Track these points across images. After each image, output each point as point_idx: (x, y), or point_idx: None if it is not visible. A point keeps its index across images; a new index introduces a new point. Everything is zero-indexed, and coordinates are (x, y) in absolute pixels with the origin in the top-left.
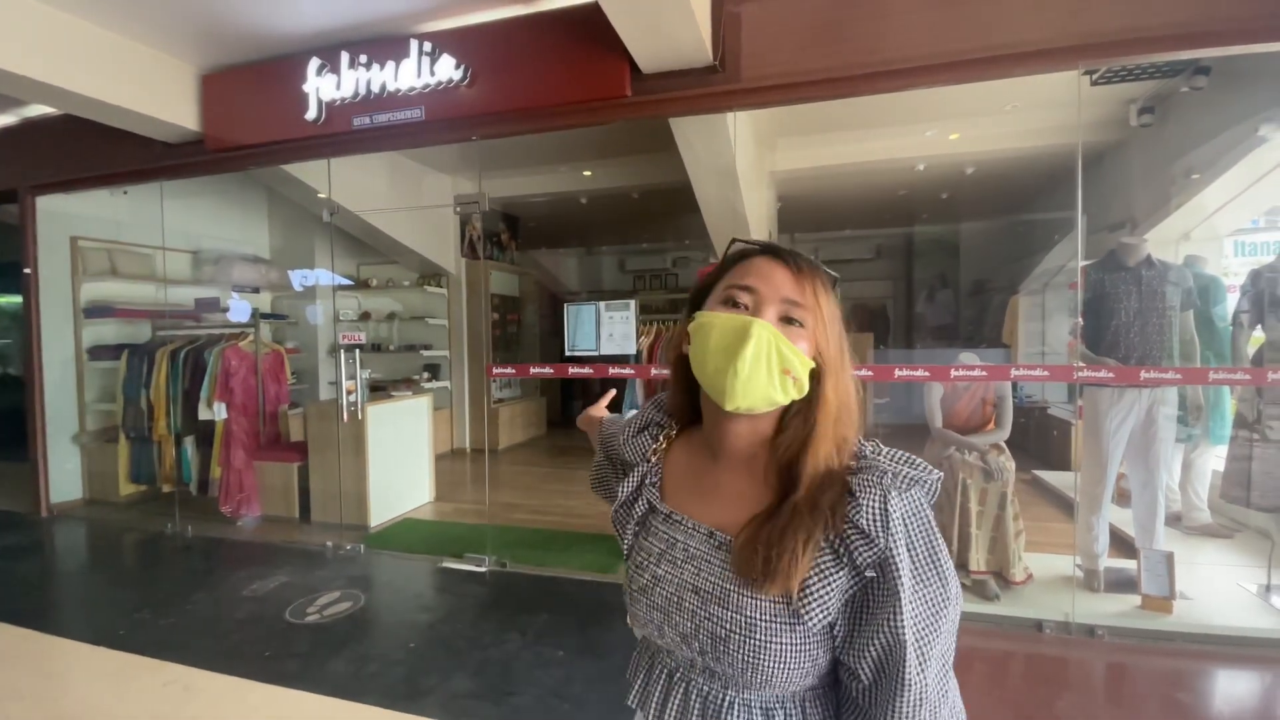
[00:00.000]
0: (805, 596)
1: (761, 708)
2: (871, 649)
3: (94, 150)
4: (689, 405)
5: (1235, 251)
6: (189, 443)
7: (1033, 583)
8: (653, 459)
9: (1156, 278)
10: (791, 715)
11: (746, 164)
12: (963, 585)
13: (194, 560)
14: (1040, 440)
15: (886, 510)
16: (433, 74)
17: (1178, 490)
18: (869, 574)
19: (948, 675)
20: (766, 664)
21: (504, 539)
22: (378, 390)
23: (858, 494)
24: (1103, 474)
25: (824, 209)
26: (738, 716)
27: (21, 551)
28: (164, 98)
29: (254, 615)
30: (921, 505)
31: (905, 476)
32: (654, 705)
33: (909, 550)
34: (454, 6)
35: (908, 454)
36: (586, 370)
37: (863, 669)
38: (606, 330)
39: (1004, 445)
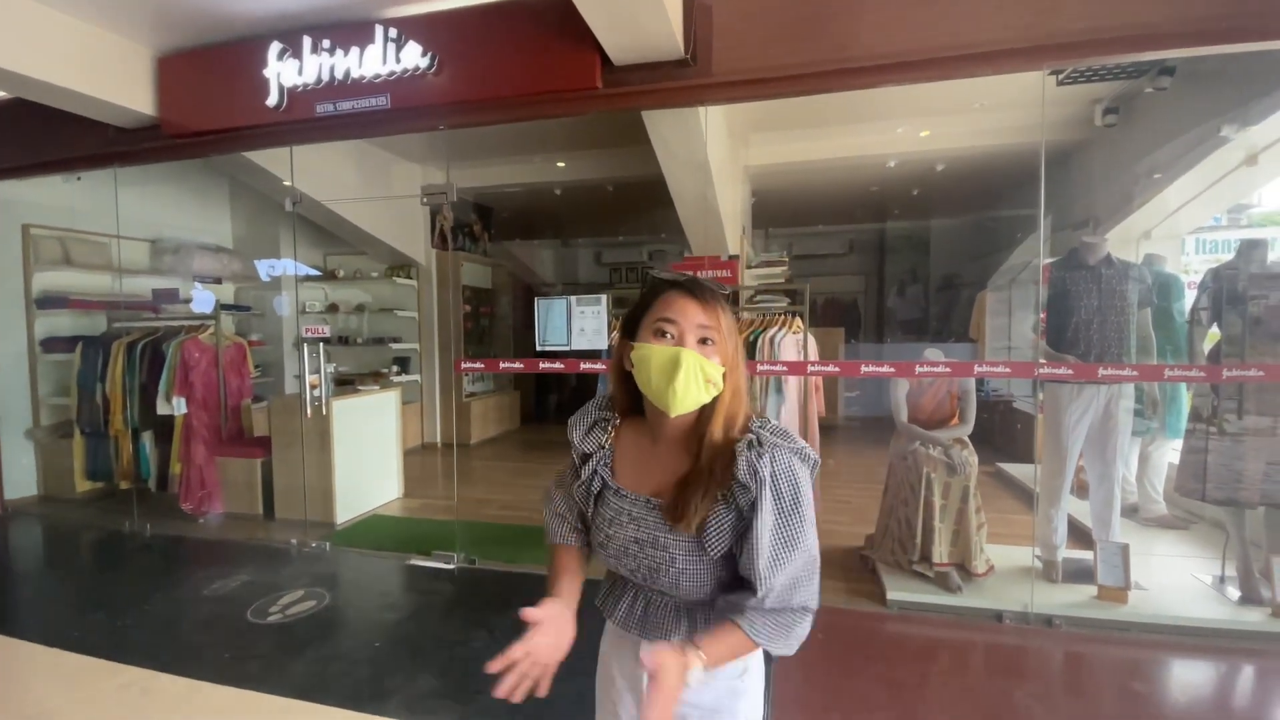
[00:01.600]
0: (705, 533)
1: (685, 608)
2: (748, 560)
3: (45, 135)
4: (631, 402)
5: (1195, 249)
6: (147, 438)
7: (994, 574)
8: (606, 445)
9: (1116, 276)
10: (705, 610)
11: (720, 159)
12: (926, 577)
13: (153, 559)
14: (1005, 433)
15: (756, 468)
16: (398, 61)
17: (1134, 483)
18: (748, 514)
19: (796, 591)
20: (685, 583)
21: (473, 535)
22: (345, 384)
23: (738, 457)
24: (1062, 467)
25: (797, 204)
26: (669, 612)
27: None
28: (117, 81)
29: (215, 615)
30: (791, 465)
31: (774, 445)
32: (619, 607)
33: (774, 496)
34: None
35: (785, 430)
36: (558, 365)
37: (767, 584)
38: (578, 325)
39: (967, 440)
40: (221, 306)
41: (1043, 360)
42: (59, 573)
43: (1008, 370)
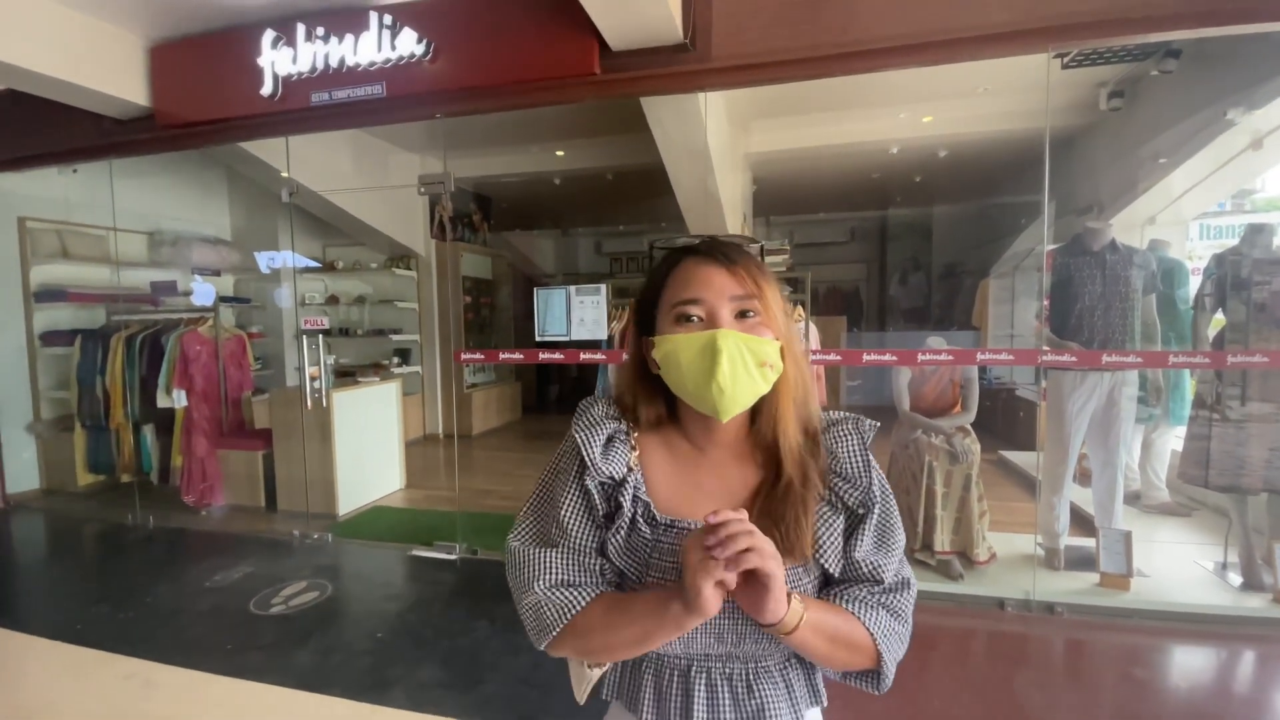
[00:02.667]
0: (819, 549)
1: (778, 668)
2: (871, 558)
3: (39, 126)
4: (659, 410)
5: (1200, 235)
6: (148, 431)
7: (996, 562)
8: (634, 466)
9: (1120, 262)
10: (797, 659)
11: (720, 146)
12: (928, 565)
13: (156, 551)
14: (1007, 421)
15: (866, 457)
16: (393, 48)
17: (1137, 470)
18: (860, 511)
19: (903, 566)
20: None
21: (475, 526)
22: (345, 376)
23: (836, 450)
24: (1065, 455)
25: (799, 192)
26: (766, 683)
27: None
28: (109, 70)
29: (217, 607)
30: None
31: (862, 425)
32: (673, 709)
33: (880, 484)
34: None
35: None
36: (557, 356)
37: (885, 572)
38: (578, 315)
39: (970, 428)
40: (221, 299)
41: (1046, 347)
42: (61, 566)
43: (1011, 358)
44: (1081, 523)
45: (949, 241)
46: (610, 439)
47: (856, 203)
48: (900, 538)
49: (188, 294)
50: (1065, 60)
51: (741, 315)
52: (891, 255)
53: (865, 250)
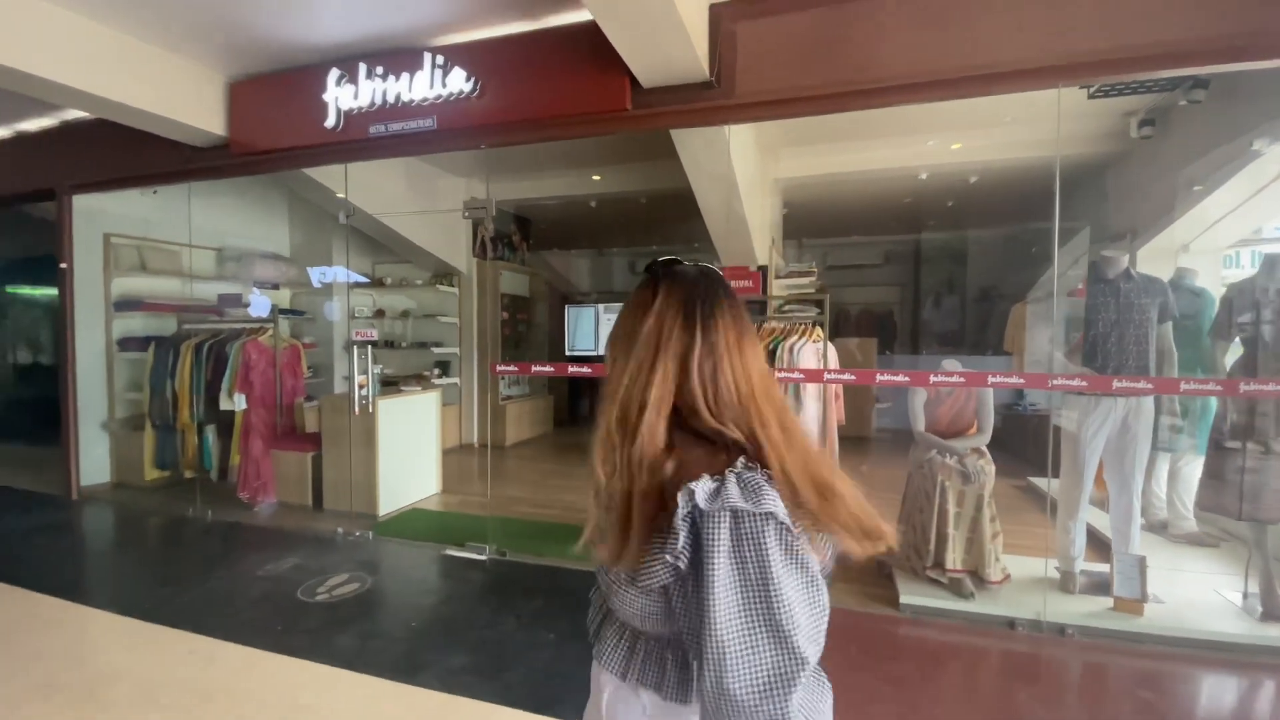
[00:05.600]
0: (644, 574)
1: (647, 640)
2: (688, 616)
3: (127, 152)
4: None
5: (1228, 264)
6: (210, 431)
7: (1010, 583)
8: None
9: (1134, 290)
10: (680, 654)
11: (749, 172)
12: (939, 583)
13: (214, 542)
14: (1038, 447)
15: (689, 520)
16: (444, 85)
17: (1164, 498)
18: (680, 565)
19: (772, 697)
20: (627, 611)
21: (505, 530)
22: (389, 385)
23: (679, 512)
24: (1079, 479)
25: (830, 215)
26: (639, 646)
27: (55, 530)
28: (194, 104)
29: (268, 593)
30: (761, 533)
31: (738, 511)
32: (605, 640)
33: (735, 567)
34: (464, 22)
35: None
36: (585, 369)
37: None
38: (605, 331)
39: (985, 450)
40: (279, 311)
41: (1057, 373)
42: (130, 552)
43: (1022, 381)
44: (1103, 549)
45: (983, 265)
46: None
47: (889, 226)
48: (753, 661)
49: (249, 305)
50: (1091, 91)
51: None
52: (925, 279)
53: (899, 273)
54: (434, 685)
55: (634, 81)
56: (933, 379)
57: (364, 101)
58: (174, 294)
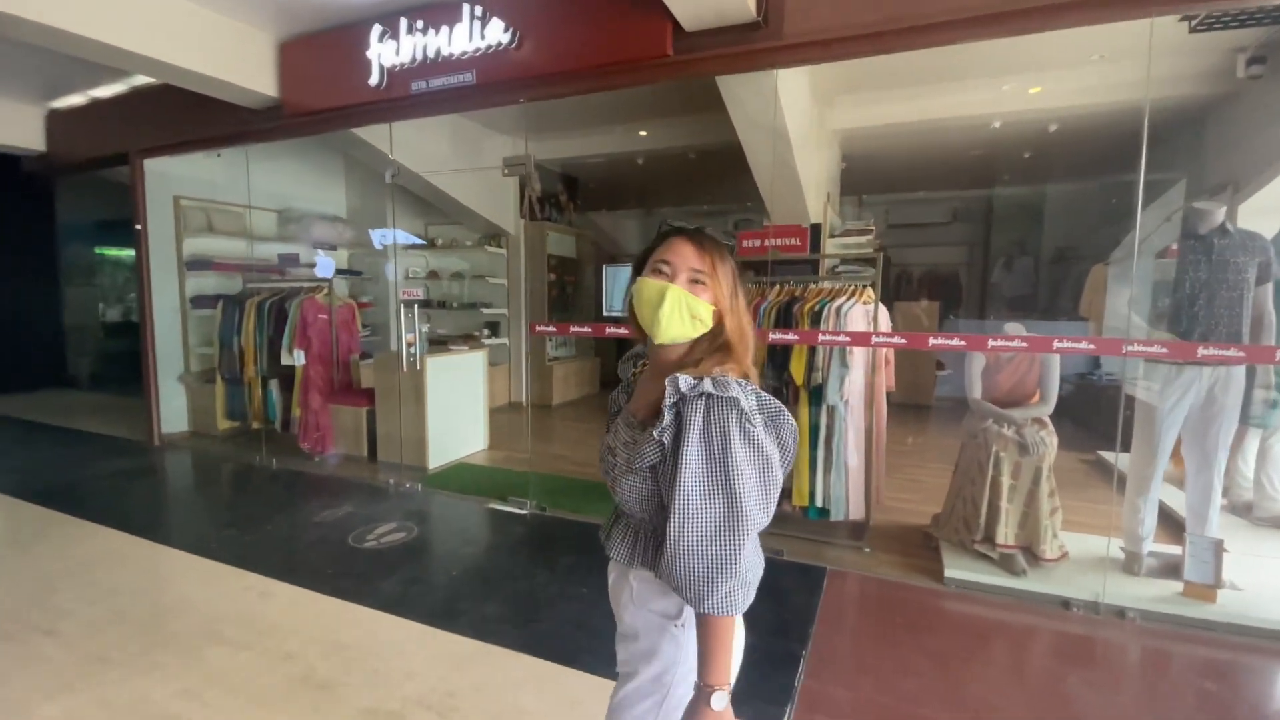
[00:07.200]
0: (638, 458)
1: (636, 530)
2: (664, 486)
3: (191, 116)
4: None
5: None
6: (273, 385)
7: (1067, 561)
8: (630, 377)
9: (1230, 247)
10: (653, 539)
11: (800, 123)
12: (989, 558)
13: (276, 489)
14: (1112, 419)
15: (675, 408)
16: (483, 37)
17: (1250, 478)
18: (664, 441)
19: (717, 541)
20: (623, 493)
21: (546, 486)
22: (438, 344)
23: (668, 386)
24: (1153, 455)
25: (893, 169)
26: (639, 532)
27: (136, 474)
28: (248, 66)
29: (322, 538)
30: (726, 418)
31: (709, 394)
32: (616, 539)
33: (703, 441)
34: None
35: (755, 391)
36: (622, 330)
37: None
38: None
39: (1048, 420)
40: (336, 271)
41: (1133, 338)
42: (202, 496)
43: (1092, 347)
44: (1176, 528)
45: (1061, 224)
46: (630, 359)
47: (958, 181)
48: (708, 515)
49: (311, 265)
50: (1194, 23)
51: (694, 281)
52: (996, 238)
53: (968, 232)
54: (467, 632)
55: (676, 26)
56: (991, 343)
57: (405, 57)
58: (239, 254)
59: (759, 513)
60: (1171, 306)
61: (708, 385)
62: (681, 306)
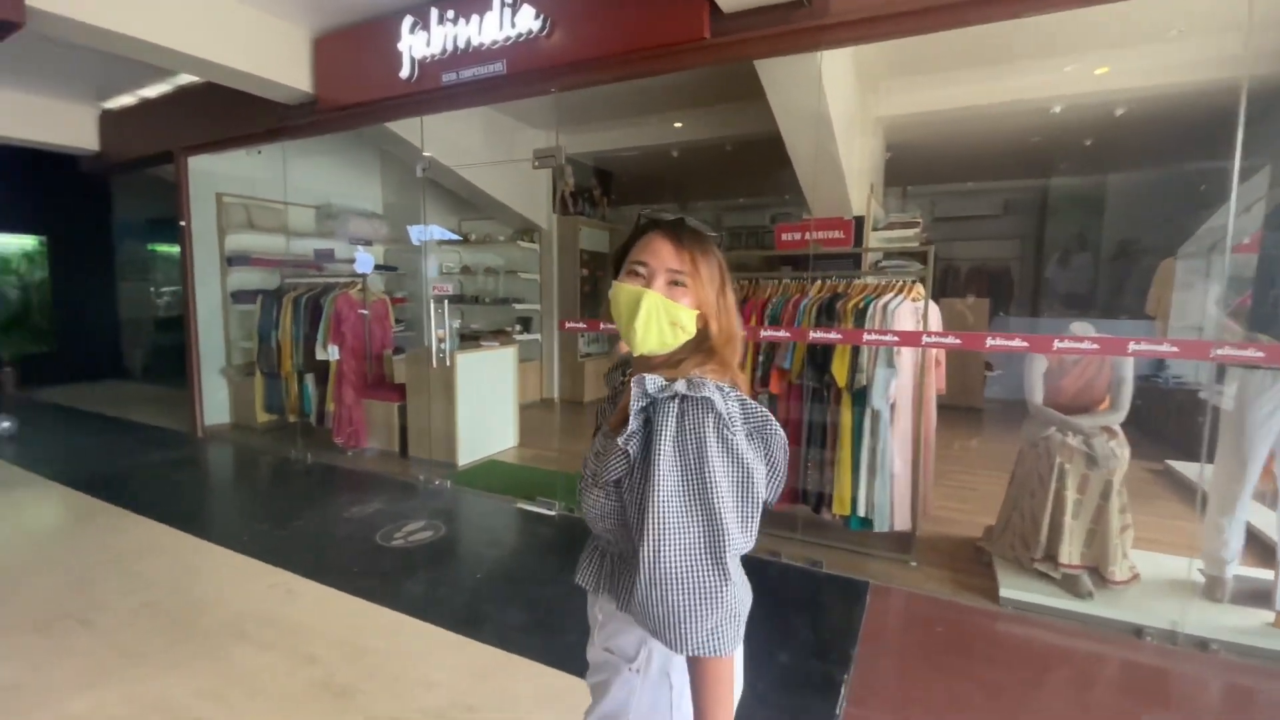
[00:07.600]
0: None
1: (610, 549)
2: (634, 500)
3: (231, 114)
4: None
5: None
6: (309, 379)
7: (1138, 584)
8: (618, 386)
9: None
10: (624, 567)
11: (844, 109)
12: (1050, 579)
13: (309, 483)
14: (1181, 427)
15: (642, 413)
16: (513, 25)
17: None
18: (629, 450)
19: (698, 566)
20: (589, 510)
21: (574, 487)
22: (469, 340)
23: (633, 388)
24: (1242, 470)
25: (942, 159)
26: (605, 555)
27: (179, 465)
28: (285, 62)
29: (350, 535)
30: (701, 422)
31: (682, 395)
32: (584, 562)
33: (677, 450)
34: None
35: (732, 393)
36: None
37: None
38: None
39: (1118, 429)
40: (374, 266)
41: (1224, 341)
42: (239, 488)
43: (1176, 350)
44: (1264, 552)
45: (1125, 216)
46: (617, 366)
47: (1011, 171)
48: (685, 537)
49: (349, 261)
50: None
51: (673, 283)
52: (1052, 231)
53: (1020, 225)
54: (491, 640)
55: (714, 7)
56: (1057, 344)
57: (435, 49)
58: (278, 249)
59: (739, 533)
60: (1265, 305)
61: (680, 386)
62: (659, 314)
